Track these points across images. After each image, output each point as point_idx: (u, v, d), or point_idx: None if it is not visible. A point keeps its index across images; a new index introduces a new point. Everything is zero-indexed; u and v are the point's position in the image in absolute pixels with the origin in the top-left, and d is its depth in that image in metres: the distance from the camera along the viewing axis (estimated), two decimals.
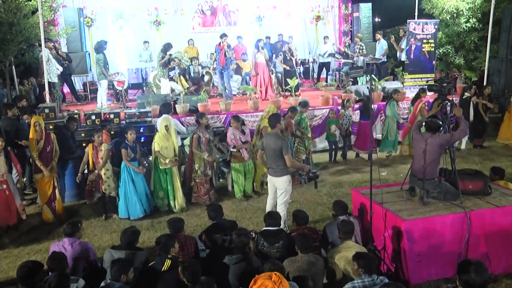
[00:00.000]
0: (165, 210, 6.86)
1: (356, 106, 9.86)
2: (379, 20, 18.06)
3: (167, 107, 8.22)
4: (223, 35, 10.51)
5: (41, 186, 6.47)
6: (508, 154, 9.09)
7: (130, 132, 6.54)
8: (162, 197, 6.86)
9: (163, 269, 3.72)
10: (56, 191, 6.57)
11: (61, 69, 10.31)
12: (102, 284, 3.62)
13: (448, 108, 5.23)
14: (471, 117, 9.34)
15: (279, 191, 5.57)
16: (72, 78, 11.78)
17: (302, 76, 13.92)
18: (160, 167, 6.73)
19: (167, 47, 10.71)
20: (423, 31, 10.75)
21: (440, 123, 4.91)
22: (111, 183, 6.55)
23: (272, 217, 4.50)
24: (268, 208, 5.78)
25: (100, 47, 10.60)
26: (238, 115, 7.73)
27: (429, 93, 9.30)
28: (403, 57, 11.44)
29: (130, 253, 4.06)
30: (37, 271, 3.64)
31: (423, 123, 5.12)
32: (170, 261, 3.77)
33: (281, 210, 5.44)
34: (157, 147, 6.69)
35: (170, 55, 10.73)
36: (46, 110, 8.24)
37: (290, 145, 6.88)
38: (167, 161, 6.63)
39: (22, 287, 3.57)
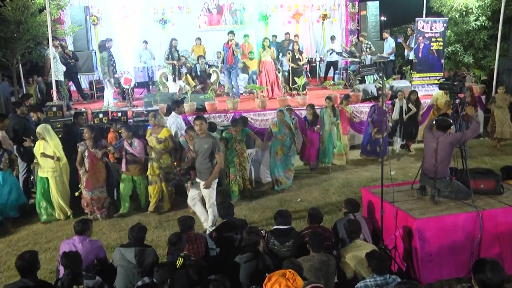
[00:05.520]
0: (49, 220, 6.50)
1: (364, 104, 9.81)
2: (385, 19, 17.96)
3: (177, 104, 7.86)
4: (231, 32, 10.48)
5: None
6: None
7: None
8: (44, 206, 6.50)
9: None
10: None
11: (64, 68, 10.32)
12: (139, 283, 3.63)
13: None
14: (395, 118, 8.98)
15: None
16: (78, 76, 11.80)
17: (309, 75, 13.86)
18: (39, 175, 6.46)
19: (170, 42, 10.80)
20: (431, 29, 10.66)
21: (451, 121, 4.87)
22: None
23: (283, 215, 4.46)
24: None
25: (103, 45, 10.63)
26: (129, 124, 7.19)
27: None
28: (411, 55, 11.37)
29: (139, 249, 4.05)
30: (34, 260, 3.64)
31: (434, 122, 5.07)
32: (182, 259, 3.76)
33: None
34: (36, 153, 6.42)
35: (178, 51, 10.80)
36: (54, 109, 8.25)
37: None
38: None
39: (23, 279, 3.57)
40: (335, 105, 8.75)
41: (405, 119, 8.96)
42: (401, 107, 8.99)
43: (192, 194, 5.98)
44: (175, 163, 6.58)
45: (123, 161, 6.63)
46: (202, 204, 5.94)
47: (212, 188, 5.73)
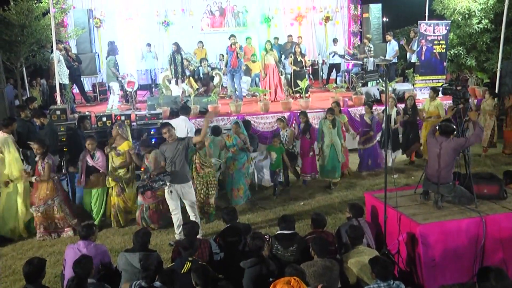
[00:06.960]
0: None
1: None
2: (387, 20, 17.94)
3: (187, 110, 7.73)
4: (233, 36, 10.51)
5: None
6: None
7: None
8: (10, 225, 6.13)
9: (182, 271, 3.73)
10: None
11: (68, 71, 10.35)
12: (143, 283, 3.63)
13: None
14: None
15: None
16: (81, 79, 11.84)
17: (312, 77, 13.87)
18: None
19: (174, 47, 10.87)
20: (434, 32, 10.67)
21: (454, 127, 4.87)
22: None
23: (286, 220, 4.47)
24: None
25: (113, 49, 10.70)
26: (94, 136, 6.82)
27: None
28: (414, 58, 11.36)
29: (144, 254, 4.08)
30: (42, 267, 3.70)
31: (437, 127, 5.07)
32: (190, 263, 3.78)
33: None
34: None
35: (181, 54, 10.83)
36: (58, 112, 8.27)
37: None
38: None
39: (28, 285, 3.60)
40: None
41: (393, 128, 8.22)
42: (389, 116, 8.19)
43: (172, 204, 5.75)
44: (142, 168, 6.23)
45: (83, 174, 6.35)
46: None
47: (191, 193, 5.79)
